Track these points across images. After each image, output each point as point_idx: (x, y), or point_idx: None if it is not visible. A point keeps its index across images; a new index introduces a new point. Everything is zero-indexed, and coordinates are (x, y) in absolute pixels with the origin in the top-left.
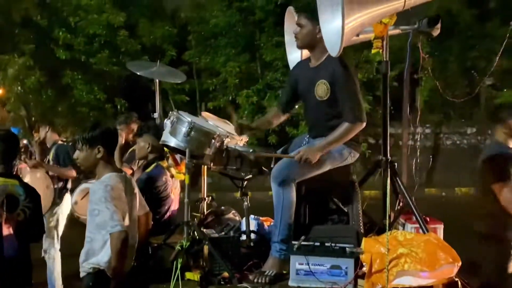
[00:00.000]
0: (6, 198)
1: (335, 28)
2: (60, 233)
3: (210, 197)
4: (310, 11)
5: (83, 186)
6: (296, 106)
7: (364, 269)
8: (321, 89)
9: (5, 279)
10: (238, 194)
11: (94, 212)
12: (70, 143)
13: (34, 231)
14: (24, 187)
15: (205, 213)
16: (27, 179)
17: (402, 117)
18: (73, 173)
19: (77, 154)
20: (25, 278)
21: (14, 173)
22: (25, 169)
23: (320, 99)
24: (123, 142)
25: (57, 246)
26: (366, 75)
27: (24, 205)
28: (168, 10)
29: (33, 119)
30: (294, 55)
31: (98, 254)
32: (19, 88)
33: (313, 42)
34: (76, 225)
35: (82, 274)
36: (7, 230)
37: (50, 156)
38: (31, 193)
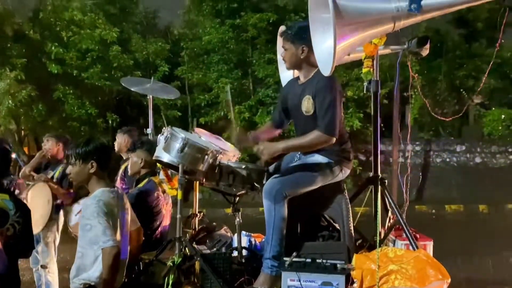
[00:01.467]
0: None
1: (327, 48)
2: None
3: (201, 213)
4: (293, 33)
5: (78, 205)
6: (289, 124)
7: (355, 285)
8: (307, 105)
9: None
10: (228, 210)
11: (86, 227)
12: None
13: (24, 246)
14: (14, 202)
15: (197, 229)
16: (29, 193)
17: (392, 135)
18: (70, 199)
19: (69, 169)
20: None
21: (12, 188)
22: (23, 184)
23: (306, 114)
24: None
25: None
26: (357, 92)
27: (14, 220)
28: (161, 26)
29: (22, 133)
30: (286, 73)
31: (89, 269)
32: (10, 102)
33: (298, 62)
34: (66, 241)
35: None
36: None
37: (56, 174)
38: (21, 208)
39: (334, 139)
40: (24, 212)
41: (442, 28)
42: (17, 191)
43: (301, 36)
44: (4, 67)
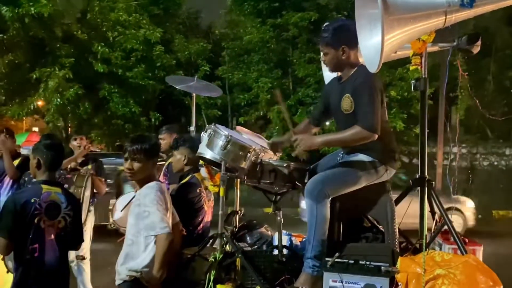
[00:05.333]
0: (48, 205)
1: (374, 44)
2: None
3: (241, 211)
4: (330, 36)
5: (122, 198)
6: (328, 123)
7: None
8: (346, 103)
9: (46, 285)
10: (267, 210)
11: (144, 214)
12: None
13: (74, 238)
14: (66, 195)
15: (237, 226)
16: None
17: (436, 136)
18: (105, 191)
19: (131, 165)
20: (63, 284)
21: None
22: (71, 179)
23: (346, 112)
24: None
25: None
26: (401, 92)
27: (65, 213)
28: (203, 26)
29: (69, 130)
30: (330, 72)
31: (137, 258)
32: (58, 99)
33: (340, 63)
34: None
35: (118, 282)
36: (48, 237)
37: (90, 167)
38: (72, 201)
39: (376, 136)
40: (74, 205)
41: (491, 26)
42: (65, 186)
43: (339, 37)
44: (54, 66)
